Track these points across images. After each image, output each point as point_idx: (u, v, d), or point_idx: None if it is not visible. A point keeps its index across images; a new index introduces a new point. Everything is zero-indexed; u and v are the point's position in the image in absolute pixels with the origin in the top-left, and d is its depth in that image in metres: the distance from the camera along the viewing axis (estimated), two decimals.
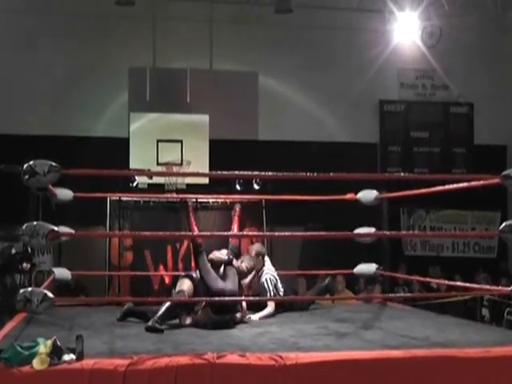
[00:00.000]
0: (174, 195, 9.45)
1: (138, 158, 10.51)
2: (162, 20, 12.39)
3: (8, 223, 9.83)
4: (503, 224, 5.07)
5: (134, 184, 10.17)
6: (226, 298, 5.58)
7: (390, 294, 7.88)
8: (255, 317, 6.07)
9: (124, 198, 10.29)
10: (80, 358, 3.98)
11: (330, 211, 9.64)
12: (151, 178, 10.12)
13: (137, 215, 10.56)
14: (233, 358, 4.08)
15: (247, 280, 6.35)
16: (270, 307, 6.25)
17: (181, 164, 10.43)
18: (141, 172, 9.42)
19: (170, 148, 10.52)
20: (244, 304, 6.10)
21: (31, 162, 4.62)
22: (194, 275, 5.94)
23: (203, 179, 10.16)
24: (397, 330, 5.30)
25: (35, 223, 4.70)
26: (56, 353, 3.97)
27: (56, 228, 4.74)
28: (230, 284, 5.82)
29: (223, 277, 5.91)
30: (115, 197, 10.08)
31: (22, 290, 4.84)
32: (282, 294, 6.60)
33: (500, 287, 7.79)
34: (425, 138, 14.01)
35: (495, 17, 13.33)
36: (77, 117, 12.47)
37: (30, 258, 7.83)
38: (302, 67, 13.05)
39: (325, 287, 7.17)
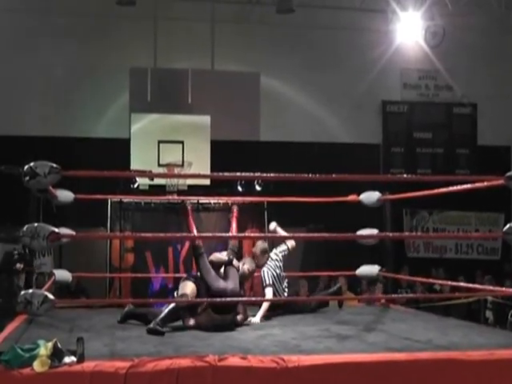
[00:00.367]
0: (176, 196, 9.42)
1: (139, 159, 10.48)
2: (163, 20, 12.37)
3: (10, 224, 9.81)
4: (507, 225, 5.05)
5: (135, 185, 10.18)
6: (228, 298, 5.57)
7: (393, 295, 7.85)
8: (256, 319, 6.04)
9: (125, 200, 10.26)
10: (81, 360, 3.96)
11: (332, 212, 9.62)
12: (152, 179, 10.09)
13: (138, 217, 10.52)
14: (234, 361, 4.05)
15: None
16: (266, 304, 6.22)
17: (182, 165, 10.39)
18: (142, 173, 9.39)
19: (171, 149, 10.49)
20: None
21: (31, 164, 4.59)
22: (196, 277, 5.92)
23: (205, 180, 10.14)
24: (400, 332, 5.27)
25: (36, 225, 4.70)
26: (57, 355, 3.96)
27: (57, 229, 4.74)
28: (231, 283, 5.83)
29: (224, 277, 5.92)
30: (116, 198, 10.05)
31: (22, 292, 4.82)
32: (285, 288, 6.57)
33: (504, 289, 7.76)
34: (428, 139, 13.98)
35: (499, 16, 13.28)
36: (77, 117, 12.46)
37: (25, 259, 7.80)
38: (304, 67, 13.03)
39: (333, 293, 7.14)
